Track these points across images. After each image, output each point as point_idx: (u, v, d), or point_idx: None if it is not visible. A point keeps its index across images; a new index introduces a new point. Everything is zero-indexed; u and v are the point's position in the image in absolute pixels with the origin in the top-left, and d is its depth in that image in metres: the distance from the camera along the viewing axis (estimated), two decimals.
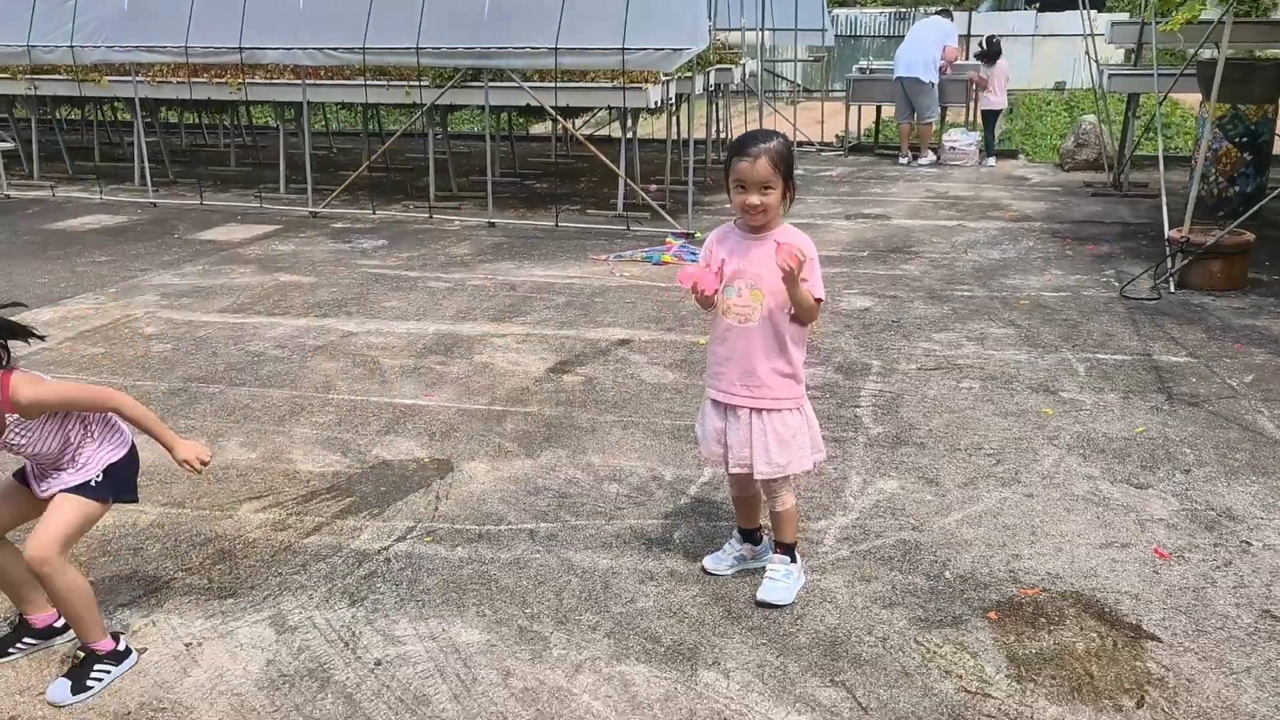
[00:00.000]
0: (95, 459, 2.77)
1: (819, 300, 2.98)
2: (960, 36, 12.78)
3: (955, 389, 4.98)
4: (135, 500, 2.97)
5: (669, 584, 3.32)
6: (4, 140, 10.34)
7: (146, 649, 2.98)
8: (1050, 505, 3.81)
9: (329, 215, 9.65)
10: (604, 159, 9.54)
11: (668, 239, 8.43)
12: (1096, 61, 10.30)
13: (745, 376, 3.06)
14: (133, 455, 2.89)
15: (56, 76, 10.40)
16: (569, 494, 3.95)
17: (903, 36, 14.05)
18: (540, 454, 4.31)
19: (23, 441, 2.68)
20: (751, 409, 3.08)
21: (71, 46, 9.86)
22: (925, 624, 3.08)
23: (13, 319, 2.64)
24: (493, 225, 9.18)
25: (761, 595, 3.17)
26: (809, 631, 3.05)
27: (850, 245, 8.14)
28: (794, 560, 3.26)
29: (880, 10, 27.99)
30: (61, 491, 2.73)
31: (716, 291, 3.04)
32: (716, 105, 11.89)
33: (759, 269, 2.98)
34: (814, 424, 3.20)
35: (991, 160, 12.37)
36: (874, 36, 27.00)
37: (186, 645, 3.01)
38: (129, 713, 2.72)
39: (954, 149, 12.33)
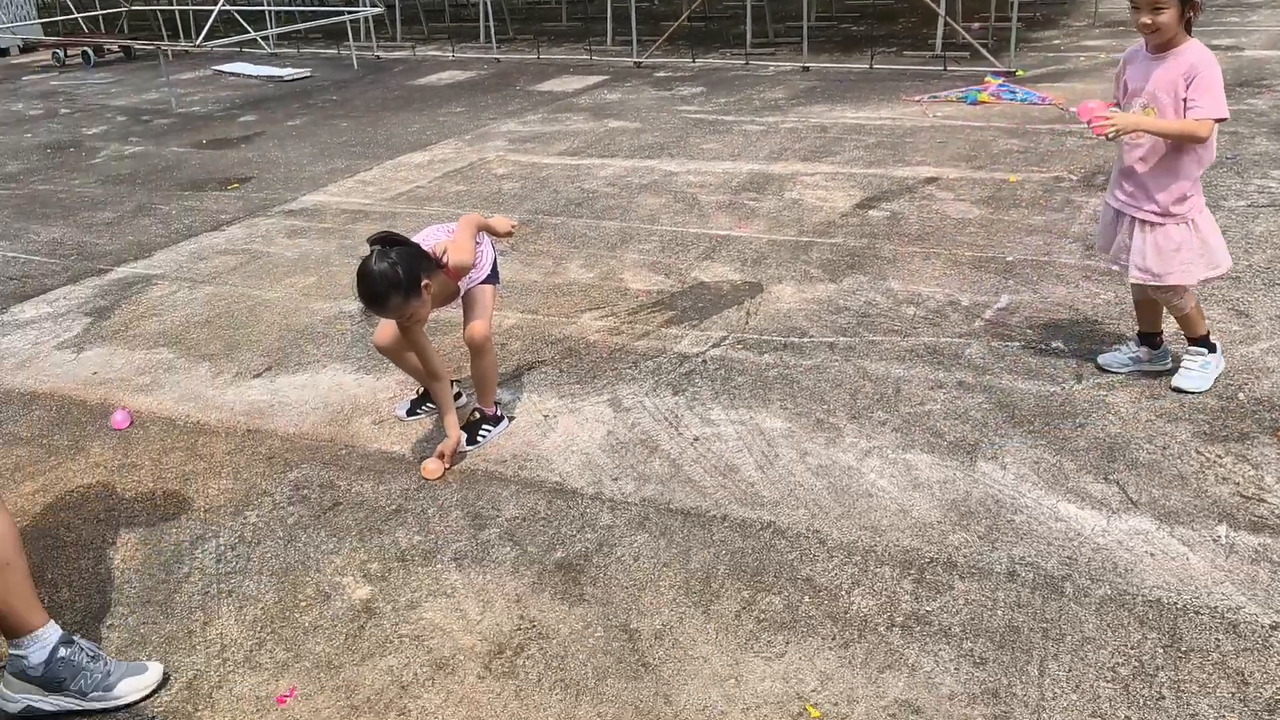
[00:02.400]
0: (486, 258, 3.47)
1: (1219, 119, 3.11)
2: None
3: None
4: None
5: (956, 392, 3.62)
6: (375, 6, 11.62)
7: (515, 417, 3.71)
8: None
9: (651, 65, 10.18)
10: None
11: (986, 78, 8.24)
12: None
13: (1133, 188, 3.32)
14: (492, 249, 3.58)
15: None
16: (868, 314, 4.29)
17: None
18: (843, 279, 4.66)
19: (467, 290, 3.40)
20: (1135, 218, 3.33)
21: None
22: (1208, 438, 3.20)
23: (399, 235, 3.18)
24: (806, 70, 9.33)
25: (1175, 381, 3.47)
26: (1088, 438, 3.27)
27: None
28: (1210, 350, 3.48)
29: None
30: (473, 287, 3.45)
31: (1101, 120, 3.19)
32: None
33: (1154, 89, 3.18)
34: (1210, 239, 3.32)
35: None
36: None
37: (544, 416, 3.71)
38: (505, 460, 3.45)
39: None
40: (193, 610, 2.77)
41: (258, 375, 4.16)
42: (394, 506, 3.20)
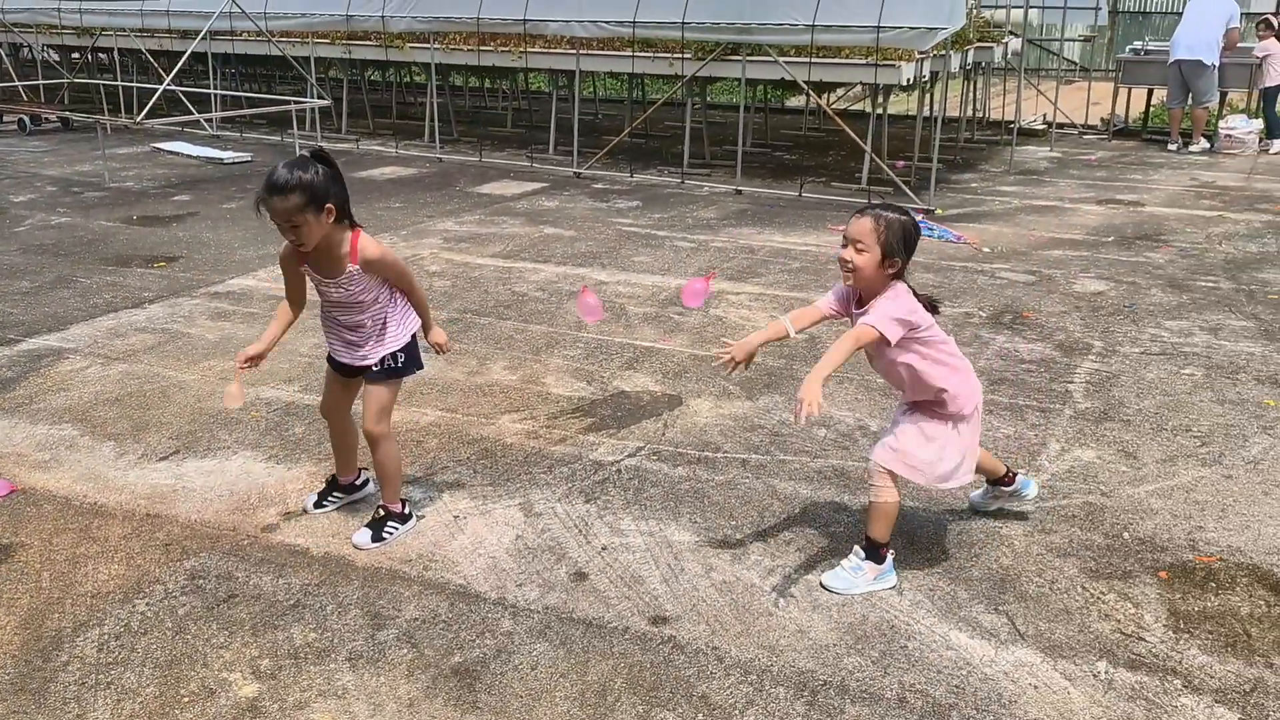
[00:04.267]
0: (396, 335, 3.38)
1: (878, 334, 2.96)
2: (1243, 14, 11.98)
3: (1175, 374, 5.02)
4: (421, 369, 3.55)
5: (860, 515, 3.71)
6: (323, 98, 11.79)
7: (425, 516, 3.70)
8: (1249, 488, 3.89)
9: (590, 176, 10.45)
10: (852, 134, 9.78)
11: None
12: None
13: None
14: (414, 334, 3.50)
15: (367, 43, 11.76)
16: (781, 433, 4.40)
17: None
18: (760, 398, 4.78)
19: (349, 290, 3.27)
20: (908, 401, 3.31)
21: (383, 16, 11.14)
22: (1094, 574, 3.32)
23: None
24: (739, 193, 9.66)
25: (824, 578, 3.28)
26: (982, 568, 3.37)
27: (1096, 230, 8.03)
28: (871, 559, 3.22)
29: None
30: (370, 385, 3.42)
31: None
32: (975, 83, 11.79)
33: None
34: (953, 452, 3.18)
35: (1277, 143, 11.59)
36: (1164, 13, 25.25)
37: (454, 517, 3.70)
38: (410, 560, 3.42)
39: (1230, 136, 11.64)
40: (67, 701, 2.68)
41: (164, 458, 4.09)
42: (292, 601, 3.15)
